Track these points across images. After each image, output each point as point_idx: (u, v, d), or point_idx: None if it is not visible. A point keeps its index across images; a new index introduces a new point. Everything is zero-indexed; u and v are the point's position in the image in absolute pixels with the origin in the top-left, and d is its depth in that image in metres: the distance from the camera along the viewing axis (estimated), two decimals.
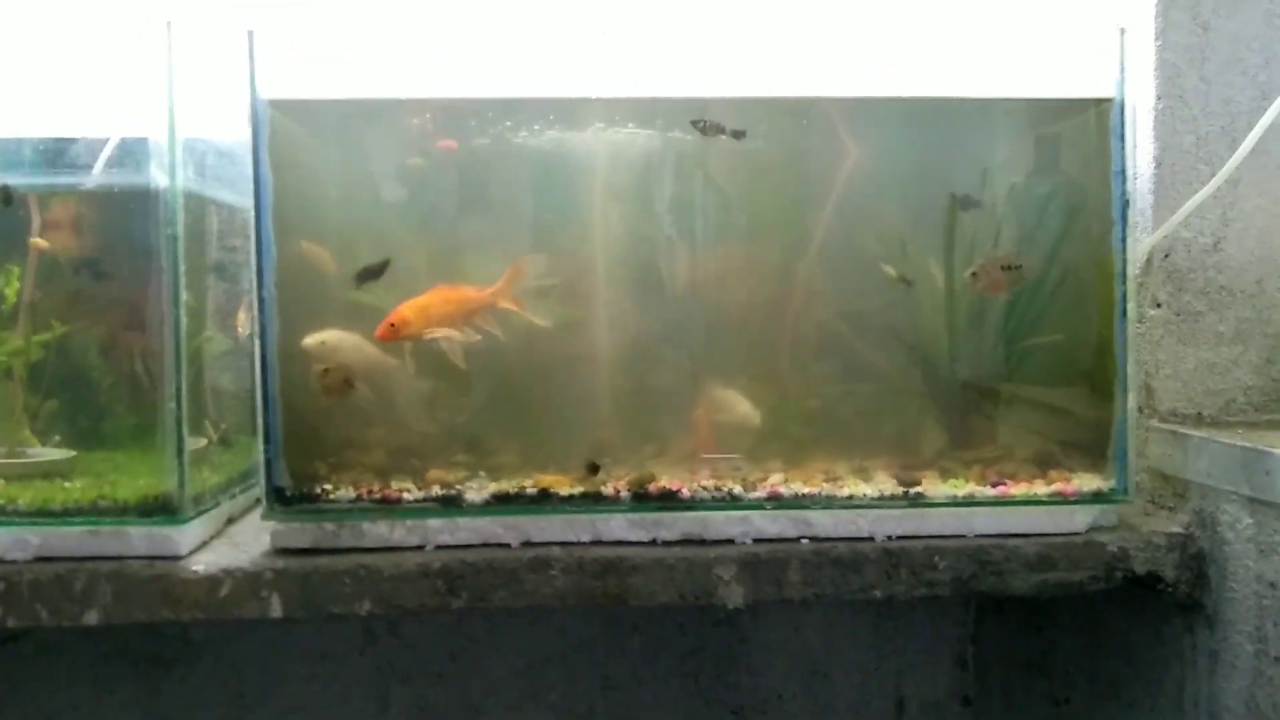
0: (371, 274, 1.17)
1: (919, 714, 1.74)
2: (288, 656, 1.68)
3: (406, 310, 1.16)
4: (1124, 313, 1.18)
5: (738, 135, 1.19)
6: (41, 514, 1.11)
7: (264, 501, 1.14)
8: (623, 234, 1.25)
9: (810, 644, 1.73)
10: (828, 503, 1.16)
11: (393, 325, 1.15)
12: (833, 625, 1.73)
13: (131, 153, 1.13)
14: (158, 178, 1.10)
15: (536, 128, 1.22)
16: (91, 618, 1.08)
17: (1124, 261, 1.18)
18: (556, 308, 1.23)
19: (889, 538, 1.15)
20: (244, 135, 1.13)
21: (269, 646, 1.67)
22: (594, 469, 1.18)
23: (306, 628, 1.66)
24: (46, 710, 1.65)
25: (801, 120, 1.24)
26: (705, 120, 1.19)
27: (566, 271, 1.23)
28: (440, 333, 1.17)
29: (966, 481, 1.19)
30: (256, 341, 1.13)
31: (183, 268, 1.11)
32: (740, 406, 1.23)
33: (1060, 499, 1.17)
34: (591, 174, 1.25)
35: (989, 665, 1.69)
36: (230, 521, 1.26)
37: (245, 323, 1.29)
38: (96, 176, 1.13)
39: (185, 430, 1.12)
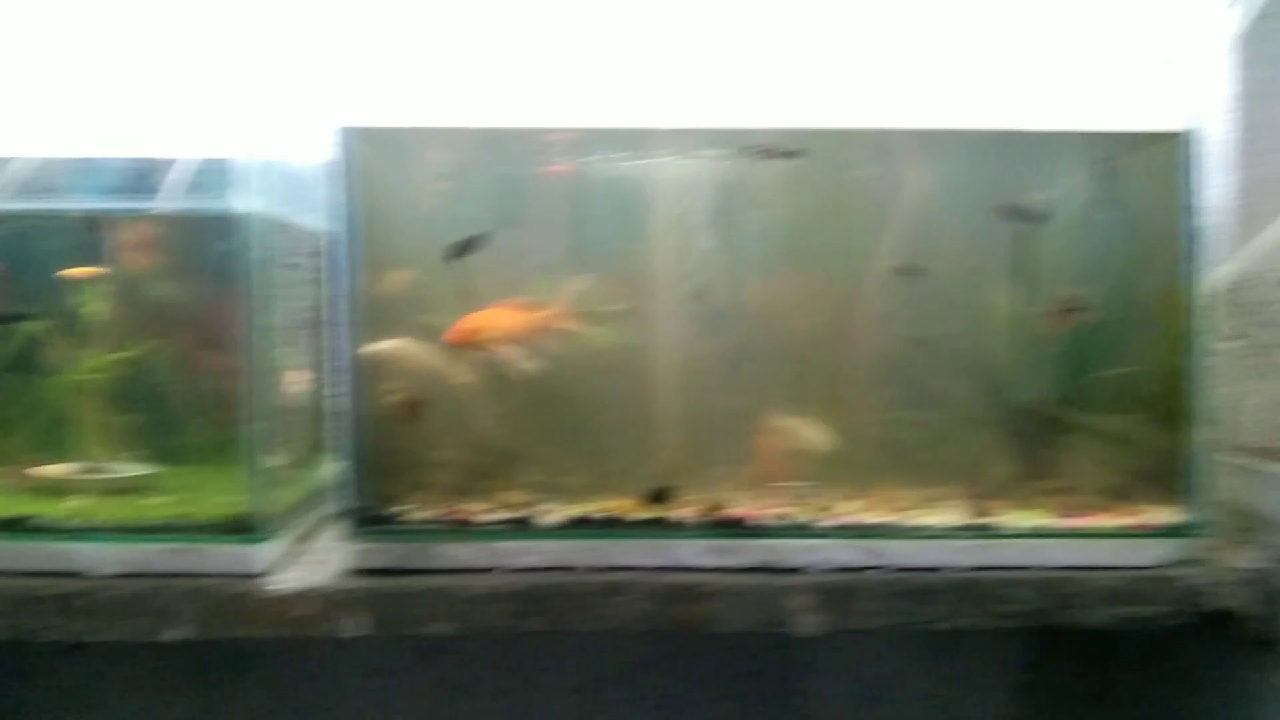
0: (464, 249, 1.17)
1: None
2: (347, 671, 1.69)
3: (477, 318, 1.17)
4: (1196, 346, 1.17)
5: (790, 156, 1.20)
6: (123, 530, 1.13)
7: (342, 522, 1.15)
8: (690, 259, 1.26)
9: (869, 670, 1.72)
10: (898, 532, 1.16)
11: (463, 331, 1.16)
12: (890, 650, 1.72)
13: (213, 175, 1.15)
14: (239, 201, 1.12)
15: (608, 155, 1.24)
16: (171, 635, 1.10)
17: (1195, 294, 1.18)
18: (621, 329, 1.24)
19: (959, 569, 1.15)
20: (320, 158, 1.16)
21: (329, 661, 1.68)
22: (659, 495, 1.19)
23: (366, 643, 1.67)
24: (113, 718, 1.67)
25: (872, 149, 1.25)
26: (761, 147, 1.20)
27: (632, 295, 1.24)
28: (505, 348, 1.19)
29: (1037, 512, 1.19)
30: (341, 363, 1.14)
31: (261, 290, 1.13)
32: (807, 433, 1.23)
33: (1133, 532, 1.17)
34: (659, 200, 1.26)
35: (1045, 695, 1.67)
36: (301, 540, 1.28)
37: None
38: (178, 200, 1.16)
39: (264, 450, 1.14)
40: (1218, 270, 1.28)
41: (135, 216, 1.20)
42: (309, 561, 1.19)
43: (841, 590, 1.13)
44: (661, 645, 1.65)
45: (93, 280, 1.23)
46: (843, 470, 1.23)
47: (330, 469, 1.36)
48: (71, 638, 1.08)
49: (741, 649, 1.66)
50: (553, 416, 1.24)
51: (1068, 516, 1.18)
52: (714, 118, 1.21)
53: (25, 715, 1.65)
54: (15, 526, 1.13)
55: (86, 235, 1.18)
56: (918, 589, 1.13)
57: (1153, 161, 1.22)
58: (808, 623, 1.12)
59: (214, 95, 1.12)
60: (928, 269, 1.24)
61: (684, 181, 1.24)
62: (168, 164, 1.16)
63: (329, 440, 1.33)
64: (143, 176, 1.18)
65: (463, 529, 1.15)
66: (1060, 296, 1.21)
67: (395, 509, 1.16)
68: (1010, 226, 1.24)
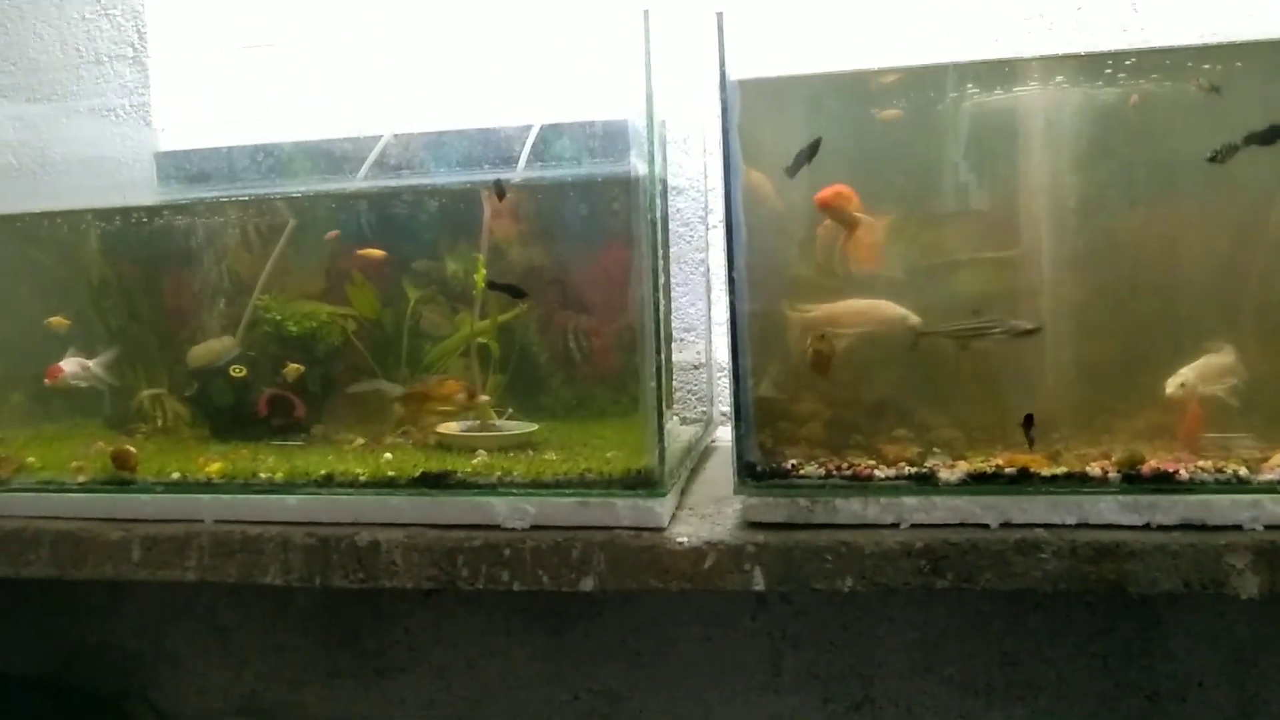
0: (805, 158, 1.15)
1: None
2: (682, 619, 1.73)
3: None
4: None
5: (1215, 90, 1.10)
6: (536, 485, 1.18)
7: (735, 476, 1.16)
8: (1078, 197, 1.18)
9: (1236, 629, 1.60)
10: None
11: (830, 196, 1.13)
12: (1263, 609, 1.59)
13: (611, 138, 1.17)
14: (637, 165, 1.13)
15: (975, 90, 1.17)
16: (587, 584, 1.14)
17: None
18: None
19: None
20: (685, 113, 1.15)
21: (665, 609, 1.73)
22: (1028, 423, 1.13)
23: (701, 592, 1.71)
24: (467, 656, 1.79)
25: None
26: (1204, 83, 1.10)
27: (1017, 241, 1.18)
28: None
29: None
30: (729, 321, 1.14)
31: (660, 251, 1.14)
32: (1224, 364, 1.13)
33: None
34: (1032, 136, 1.18)
35: None
36: (682, 494, 1.30)
37: None
38: (578, 164, 1.18)
39: (664, 408, 1.16)
40: None
41: (537, 184, 1.24)
42: (700, 514, 1.21)
43: None
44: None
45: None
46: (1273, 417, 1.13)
47: (679, 423, 1.39)
48: (499, 587, 1.14)
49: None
50: (941, 369, 1.20)
51: None
52: (1088, 42, 1.12)
53: (399, 649, 1.79)
54: (438, 482, 1.20)
55: (496, 202, 1.22)
56: None
57: None
58: (1251, 584, 1.03)
59: (605, 59, 1.13)
60: None
61: (1074, 113, 1.16)
62: (564, 128, 1.19)
63: (709, 396, 1.34)
64: (539, 144, 1.21)
65: (863, 484, 1.14)
66: None
67: (789, 464, 1.16)
68: None
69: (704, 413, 1.69)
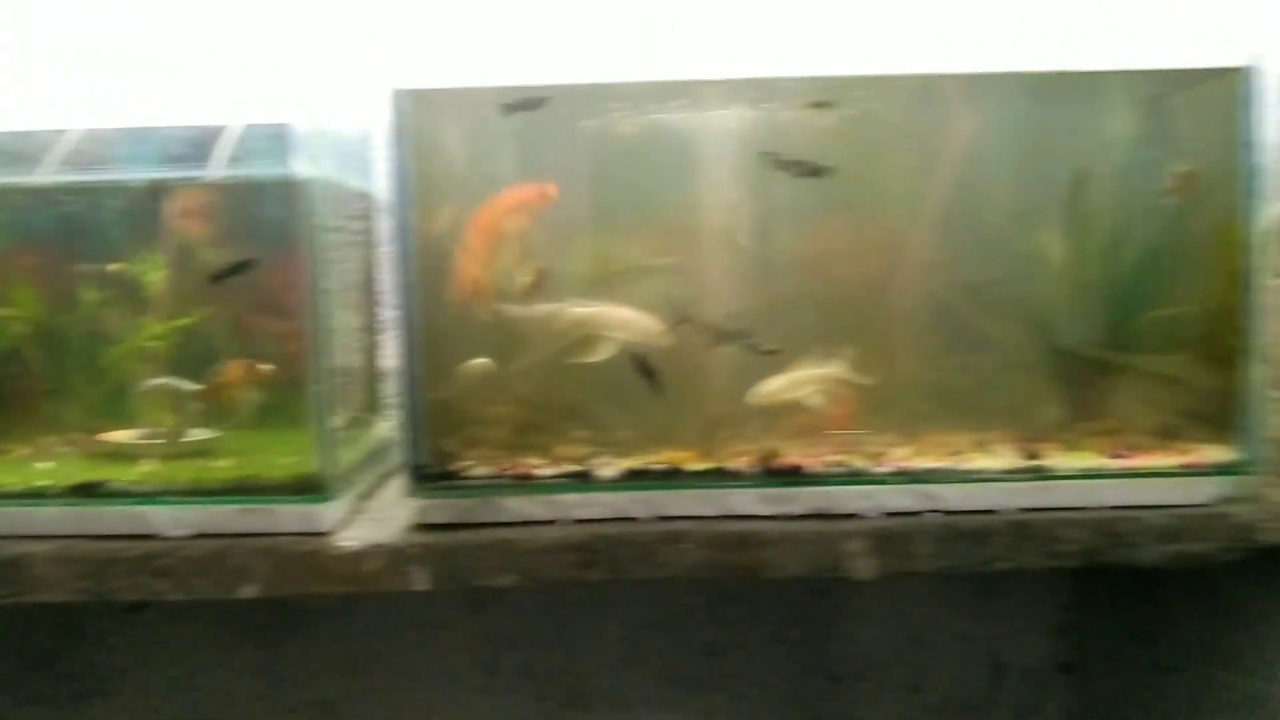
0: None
1: (1017, 681, 1.76)
2: (399, 624, 1.73)
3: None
4: (1251, 283, 1.17)
5: (823, 106, 1.20)
6: (197, 492, 1.16)
7: (406, 479, 1.17)
8: (737, 211, 1.27)
9: (908, 611, 1.75)
10: (953, 476, 1.18)
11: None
12: (931, 592, 1.75)
13: (271, 140, 1.16)
14: (299, 167, 1.13)
15: (651, 110, 1.24)
16: (248, 591, 1.13)
17: (1251, 232, 1.17)
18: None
19: (1015, 510, 1.16)
20: (364, 122, 1.16)
21: (381, 615, 1.72)
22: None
23: (417, 597, 1.71)
24: (171, 675, 1.72)
25: (922, 95, 1.25)
26: (812, 101, 1.20)
27: (677, 248, 1.25)
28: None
29: (1090, 454, 1.20)
30: (399, 324, 1.16)
31: (323, 255, 1.14)
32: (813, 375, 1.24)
33: (1185, 471, 1.18)
34: (702, 154, 1.26)
35: (1089, 633, 1.70)
36: (362, 498, 1.31)
37: None
38: (239, 166, 1.17)
39: (328, 411, 1.16)
40: (1272, 207, 1.28)
41: (194, 185, 1.21)
42: (372, 518, 1.22)
43: (901, 535, 1.15)
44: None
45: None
46: (894, 415, 1.25)
47: (384, 428, 1.39)
48: (154, 598, 1.11)
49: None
50: (602, 371, 1.26)
51: (1120, 457, 1.19)
52: (760, 68, 1.21)
53: (100, 671, 1.70)
54: (91, 491, 1.16)
55: (148, 204, 1.19)
56: (976, 531, 1.15)
57: (1211, 98, 1.21)
58: (867, 567, 1.14)
59: (270, 61, 1.13)
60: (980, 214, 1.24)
61: (728, 133, 1.24)
62: (223, 131, 1.17)
63: (384, 399, 1.35)
64: (199, 145, 1.19)
65: (526, 482, 1.18)
66: None
67: (457, 465, 1.18)
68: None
69: None
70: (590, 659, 1.74)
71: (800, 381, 1.21)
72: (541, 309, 1.23)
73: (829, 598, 1.73)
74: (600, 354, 1.21)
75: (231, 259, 1.21)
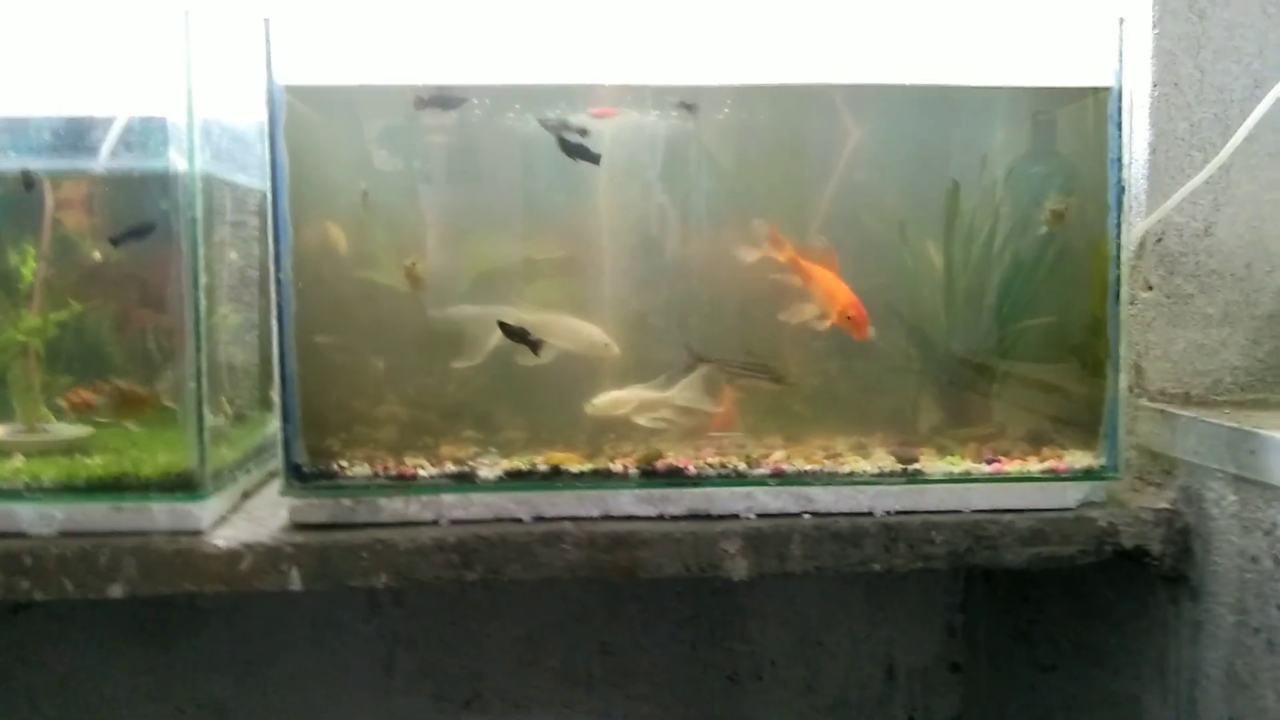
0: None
1: (908, 680, 1.80)
2: (293, 624, 1.71)
3: None
4: (1117, 295, 1.21)
5: (688, 108, 1.23)
6: (66, 490, 1.13)
7: (282, 478, 1.16)
8: (622, 214, 1.28)
9: (804, 612, 1.78)
10: (828, 479, 1.20)
11: None
12: (826, 594, 1.78)
13: (149, 134, 1.14)
14: (176, 161, 1.11)
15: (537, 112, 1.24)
16: (116, 591, 1.11)
17: (1118, 245, 1.22)
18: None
19: (888, 513, 1.19)
20: (258, 118, 1.15)
21: (275, 615, 1.70)
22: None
23: (312, 597, 1.69)
24: (57, 675, 1.69)
25: (804, 106, 1.27)
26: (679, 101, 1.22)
27: (566, 246, 1.26)
28: None
29: (962, 458, 1.23)
30: (275, 322, 1.15)
31: (201, 249, 1.13)
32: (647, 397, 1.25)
33: (1052, 475, 1.22)
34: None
35: (977, 633, 1.75)
36: (246, 496, 1.29)
37: None
38: (115, 159, 1.15)
39: (205, 408, 1.14)
40: (1139, 222, 1.33)
41: (70, 176, 1.18)
42: (251, 517, 1.21)
43: (775, 535, 1.16)
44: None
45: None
46: (776, 419, 1.27)
47: (273, 426, 1.38)
48: (19, 597, 1.09)
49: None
50: (489, 370, 1.26)
51: (991, 462, 1.23)
52: (646, 75, 1.22)
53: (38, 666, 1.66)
54: None
55: (22, 193, 1.16)
56: (849, 533, 1.17)
57: (1081, 115, 1.25)
58: (741, 567, 1.16)
59: (149, 52, 1.11)
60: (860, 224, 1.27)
61: (615, 138, 1.25)
62: (102, 123, 1.15)
63: (260, 395, 1.34)
64: (77, 135, 1.16)
65: (405, 483, 1.17)
66: None
67: (336, 465, 1.18)
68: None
69: None
70: (488, 659, 1.74)
71: (644, 403, 1.23)
72: (489, 310, 1.22)
73: (728, 597, 1.75)
74: (539, 358, 1.21)
75: (131, 223, 1.18)
